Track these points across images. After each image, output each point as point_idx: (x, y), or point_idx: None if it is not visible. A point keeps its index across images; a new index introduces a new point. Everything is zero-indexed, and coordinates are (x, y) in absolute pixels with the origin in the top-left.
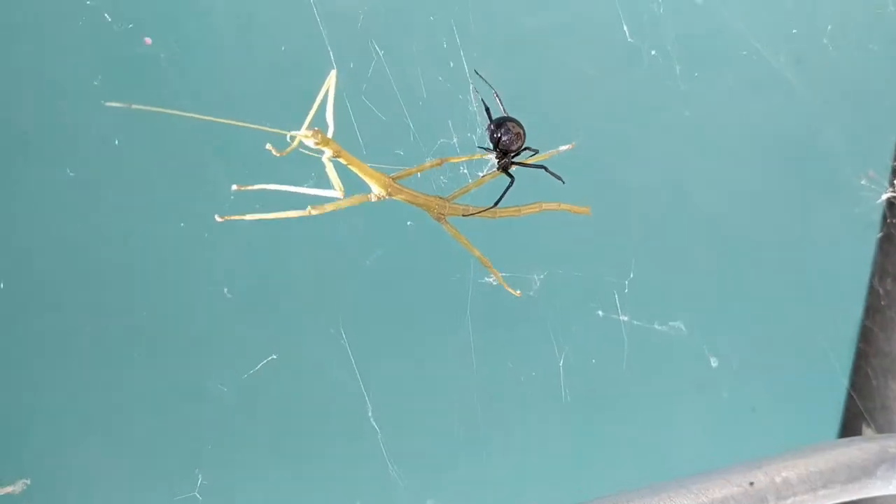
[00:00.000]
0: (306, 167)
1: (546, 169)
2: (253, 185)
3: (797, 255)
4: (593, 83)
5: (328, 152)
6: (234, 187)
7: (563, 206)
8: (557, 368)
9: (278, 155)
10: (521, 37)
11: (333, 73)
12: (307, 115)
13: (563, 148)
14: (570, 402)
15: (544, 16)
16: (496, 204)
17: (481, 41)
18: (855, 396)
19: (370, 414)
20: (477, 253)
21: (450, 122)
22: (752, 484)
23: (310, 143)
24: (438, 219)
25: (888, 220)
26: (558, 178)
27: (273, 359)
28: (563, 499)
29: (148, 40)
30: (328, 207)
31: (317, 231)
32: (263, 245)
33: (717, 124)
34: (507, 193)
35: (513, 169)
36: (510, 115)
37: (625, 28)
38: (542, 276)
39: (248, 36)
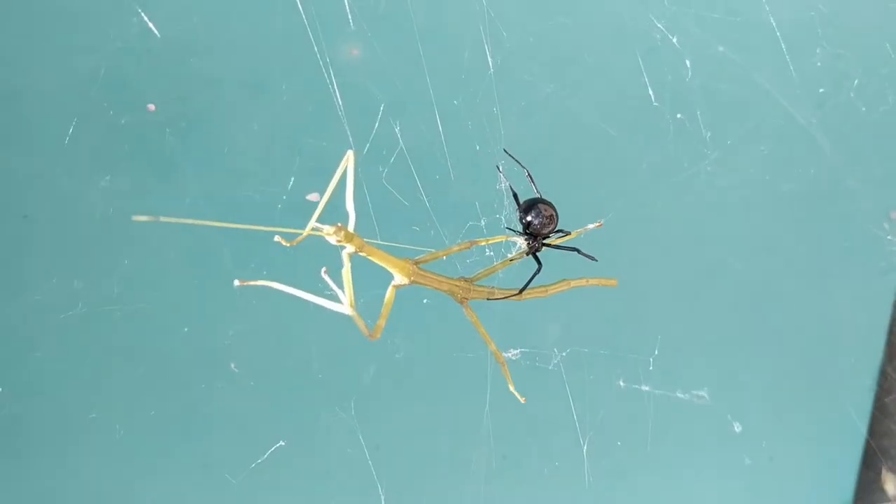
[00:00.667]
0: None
1: (579, 251)
2: (258, 280)
3: (818, 308)
4: (618, 150)
5: (350, 248)
6: (237, 283)
7: (591, 281)
8: (581, 454)
9: (288, 245)
10: (543, 104)
11: (350, 153)
12: (321, 200)
13: (591, 226)
14: (592, 482)
15: (566, 84)
16: (523, 290)
17: (505, 118)
18: (874, 445)
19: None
20: (493, 347)
21: (477, 203)
22: None
23: (332, 240)
24: (461, 302)
25: None
26: (591, 258)
27: (281, 445)
28: None
29: (151, 107)
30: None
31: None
32: (272, 322)
33: (740, 184)
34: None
35: (542, 251)
36: (542, 195)
37: (650, 92)
38: (564, 354)
39: (257, 106)
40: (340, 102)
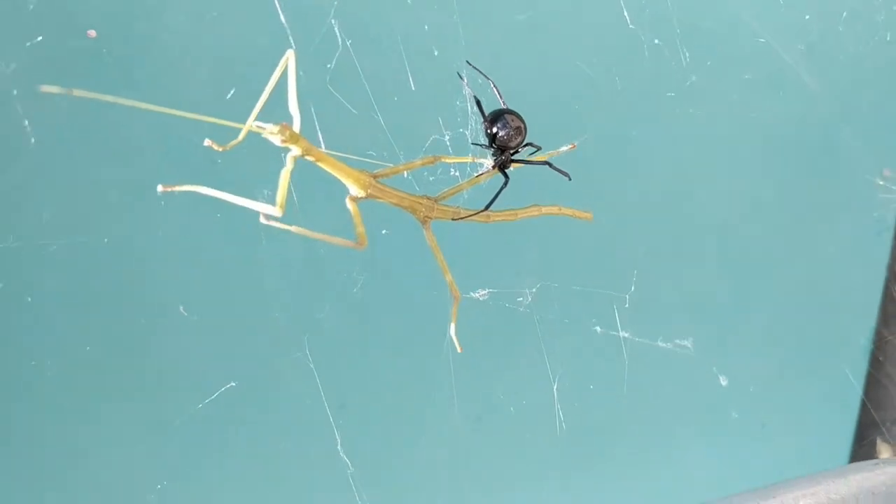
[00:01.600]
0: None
1: (551, 165)
2: (183, 185)
3: (810, 262)
4: (593, 76)
5: (295, 150)
6: (160, 188)
7: (564, 211)
8: (552, 395)
9: (220, 150)
10: (513, 26)
11: (291, 52)
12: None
13: (563, 149)
14: (567, 431)
15: (539, 3)
16: (489, 206)
17: (471, 32)
18: (870, 407)
19: (339, 447)
20: (449, 278)
21: (440, 118)
22: None
23: (275, 139)
24: (423, 222)
25: None
26: (565, 174)
27: (232, 386)
28: None
29: (92, 33)
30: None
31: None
32: (220, 258)
33: (726, 122)
34: (502, 195)
35: (511, 168)
36: (509, 107)
37: (626, 14)
38: (534, 290)
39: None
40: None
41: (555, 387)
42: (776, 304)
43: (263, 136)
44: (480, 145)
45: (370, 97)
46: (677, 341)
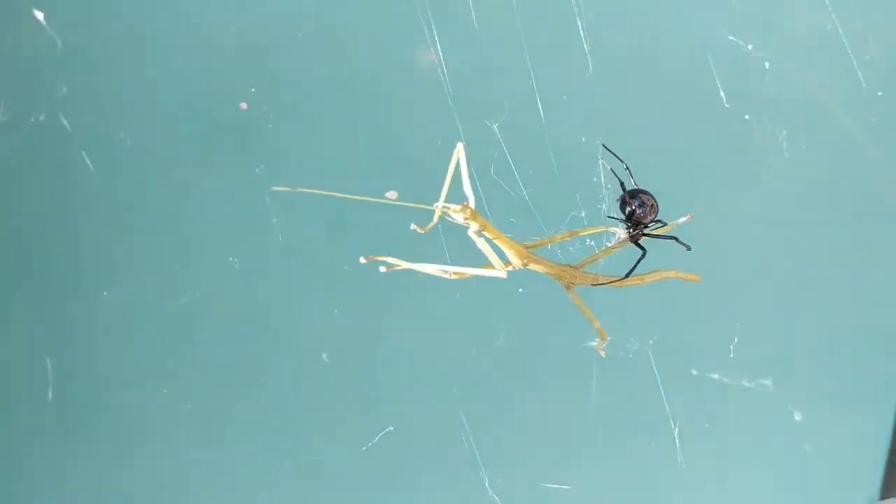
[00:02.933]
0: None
1: (677, 240)
2: (384, 256)
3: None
4: (693, 149)
5: (474, 226)
6: (363, 259)
7: (680, 275)
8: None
9: (423, 233)
10: (629, 104)
11: (460, 145)
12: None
13: (681, 220)
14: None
15: (648, 84)
16: (629, 274)
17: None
18: None
19: (487, 484)
20: (597, 325)
21: (578, 195)
22: None
23: (458, 217)
24: (567, 287)
25: None
26: (687, 247)
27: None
28: None
29: (244, 105)
30: (467, 273)
31: (425, 303)
32: (369, 312)
33: (814, 188)
34: (639, 265)
35: (641, 239)
36: (640, 187)
37: (721, 94)
38: (650, 342)
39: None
40: (450, 93)
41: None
42: (843, 345)
43: (449, 214)
44: (615, 219)
45: (516, 177)
46: (759, 381)
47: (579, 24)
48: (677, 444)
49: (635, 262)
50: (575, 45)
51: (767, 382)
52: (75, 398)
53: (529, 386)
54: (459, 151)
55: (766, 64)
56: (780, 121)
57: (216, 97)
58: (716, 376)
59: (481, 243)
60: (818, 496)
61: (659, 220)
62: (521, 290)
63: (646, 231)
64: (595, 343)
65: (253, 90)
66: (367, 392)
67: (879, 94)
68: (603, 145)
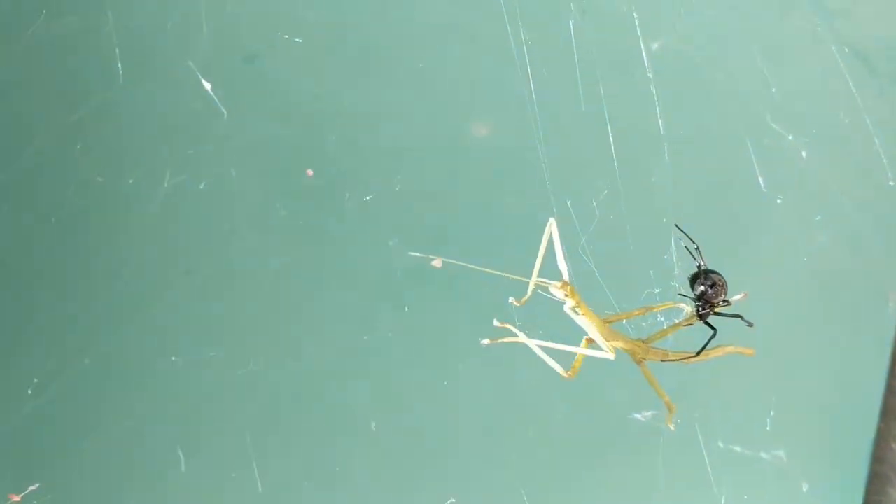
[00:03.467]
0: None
1: (742, 318)
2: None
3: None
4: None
5: (570, 303)
6: (485, 342)
7: (738, 350)
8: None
9: (519, 305)
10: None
11: (552, 221)
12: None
13: (737, 297)
14: None
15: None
16: (700, 352)
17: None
18: None
19: None
20: (666, 399)
21: (651, 272)
22: None
23: (557, 293)
24: (639, 362)
25: None
26: (750, 324)
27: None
28: None
29: (310, 172)
30: (577, 366)
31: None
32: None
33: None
34: (707, 343)
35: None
36: (710, 268)
37: (760, 180)
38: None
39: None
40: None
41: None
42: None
43: (550, 290)
44: (686, 297)
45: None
46: (774, 452)
47: (657, 109)
48: None
49: (707, 339)
50: (652, 126)
51: (781, 454)
52: None
53: (586, 461)
54: (552, 226)
55: (804, 153)
56: (814, 206)
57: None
58: (737, 449)
59: (581, 320)
60: None
61: (726, 300)
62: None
63: (715, 310)
64: (653, 414)
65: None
66: (427, 463)
67: (890, 182)
68: (676, 225)
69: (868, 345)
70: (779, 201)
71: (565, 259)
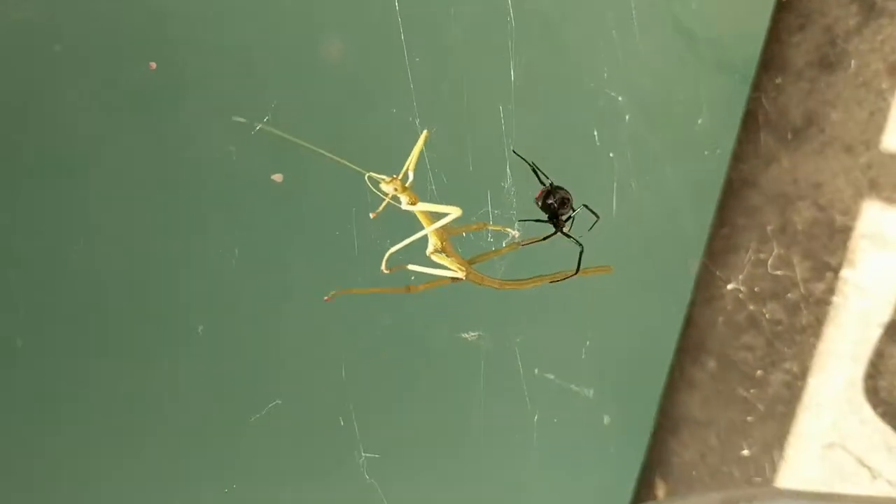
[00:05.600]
0: None
1: (587, 206)
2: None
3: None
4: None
5: (405, 200)
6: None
7: (589, 271)
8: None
9: (373, 217)
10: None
11: (426, 133)
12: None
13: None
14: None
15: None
16: (577, 272)
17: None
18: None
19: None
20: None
21: (489, 193)
22: None
23: (388, 188)
24: (464, 277)
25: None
26: (596, 215)
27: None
28: None
29: (153, 65)
30: (421, 288)
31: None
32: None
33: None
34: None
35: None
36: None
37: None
38: (517, 340)
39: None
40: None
41: (535, 418)
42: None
43: (381, 186)
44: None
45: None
46: (583, 386)
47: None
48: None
49: (578, 255)
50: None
51: (590, 392)
52: None
53: (412, 376)
54: (424, 136)
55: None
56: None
57: None
58: (550, 377)
59: (418, 211)
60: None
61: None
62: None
63: (564, 219)
64: (479, 335)
65: None
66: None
67: (706, 153)
68: (514, 151)
69: (668, 301)
70: (611, 155)
71: (414, 169)
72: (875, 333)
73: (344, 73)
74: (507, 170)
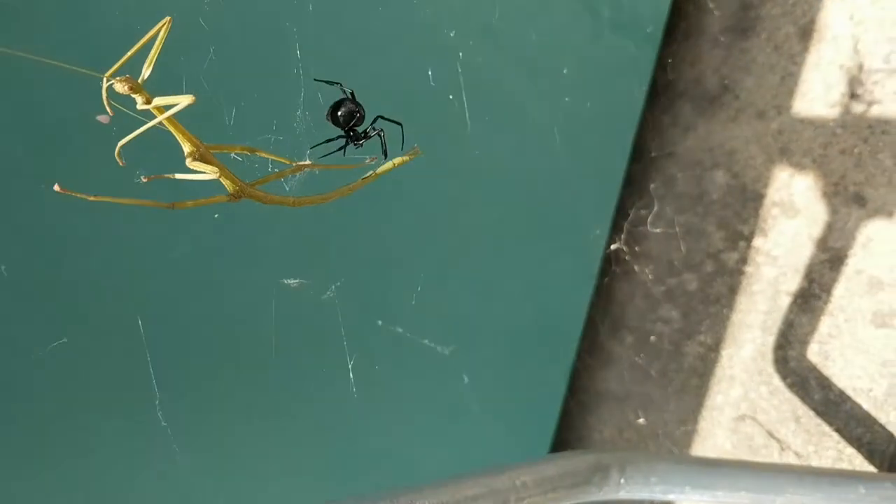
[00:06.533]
0: None
1: (383, 117)
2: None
3: (536, 297)
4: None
5: (140, 100)
6: (144, 179)
7: (398, 162)
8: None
9: (106, 122)
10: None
11: (168, 20)
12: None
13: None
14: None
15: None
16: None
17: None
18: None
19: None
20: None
21: (275, 122)
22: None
23: (121, 87)
24: (234, 195)
25: (611, 269)
26: (397, 122)
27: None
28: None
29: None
30: (189, 204)
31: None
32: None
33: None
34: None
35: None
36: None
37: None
38: (337, 285)
39: None
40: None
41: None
42: (510, 326)
43: (115, 87)
44: (319, 144)
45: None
46: (438, 348)
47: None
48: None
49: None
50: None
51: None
52: None
53: (220, 318)
54: (164, 25)
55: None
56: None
57: None
58: (399, 330)
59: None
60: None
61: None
62: (216, 215)
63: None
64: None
65: None
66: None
67: (567, 99)
68: (315, 79)
69: (575, 274)
70: (451, 97)
71: (155, 59)
72: (785, 302)
73: None
74: (301, 102)
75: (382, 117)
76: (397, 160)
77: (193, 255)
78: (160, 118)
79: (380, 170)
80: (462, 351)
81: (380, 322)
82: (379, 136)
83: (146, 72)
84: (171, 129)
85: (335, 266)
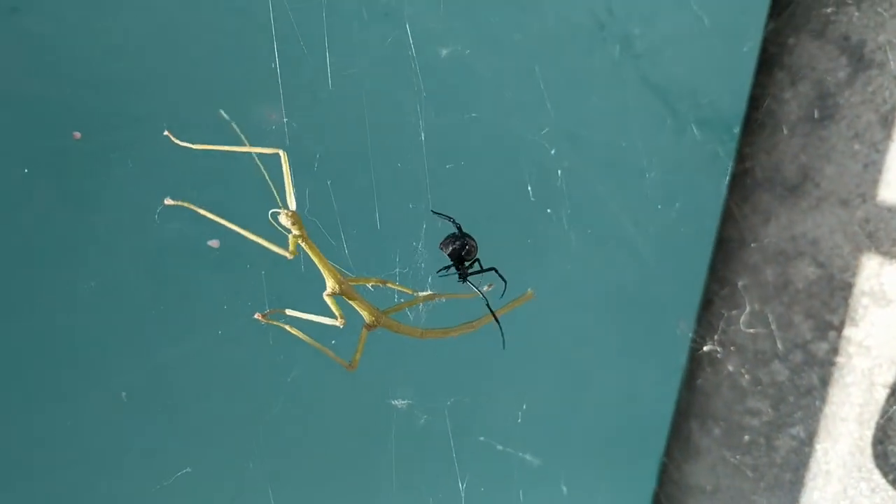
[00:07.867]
0: None
1: (496, 270)
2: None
3: (626, 394)
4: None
5: (294, 232)
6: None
7: (511, 305)
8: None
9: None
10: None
11: (282, 153)
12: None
13: (486, 288)
14: None
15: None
16: (495, 312)
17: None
18: None
19: None
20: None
21: (398, 255)
22: None
23: (286, 222)
24: (370, 325)
25: (704, 369)
26: (504, 279)
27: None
28: None
29: (77, 135)
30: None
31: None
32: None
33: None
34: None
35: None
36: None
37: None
38: (449, 403)
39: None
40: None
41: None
42: (599, 428)
43: (280, 219)
44: (445, 274)
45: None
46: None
47: (419, 111)
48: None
49: (503, 290)
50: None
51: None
52: None
53: (334, 439)
54: (284, 160)
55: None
56: (576, 219)
57: None
58: (499, 447)
59: (306, 247)
60: None
61: (477, 260)
62: (333, 341)
63: (469, 272)
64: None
65: None
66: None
67: (659, 207)
68: (433, 211)
69: (660, 367)
70: (549, 211)
71: (293, 194)
72: (882, 395)
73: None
74: (422, 235)
75: (496, 270)
76: (511, 304)
77: (304, 378)
78: (312, 255)
79: (498, 313)
80: (555, 459)
81: (482, 438)
82: (495, 270)
83: (293, 205)
84: (319, 264)
85: (443, 385)
